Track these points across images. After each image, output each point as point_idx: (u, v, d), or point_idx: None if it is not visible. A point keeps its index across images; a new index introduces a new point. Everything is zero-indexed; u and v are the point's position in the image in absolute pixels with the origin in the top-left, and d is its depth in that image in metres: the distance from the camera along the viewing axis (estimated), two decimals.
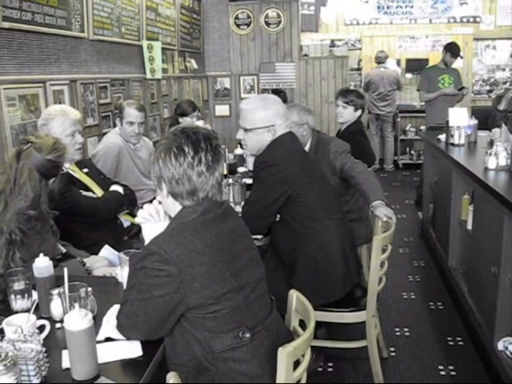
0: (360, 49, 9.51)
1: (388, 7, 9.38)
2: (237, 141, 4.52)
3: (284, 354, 1.54)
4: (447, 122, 4.70)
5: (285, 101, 5.74)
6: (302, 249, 2.67)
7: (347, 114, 4.12)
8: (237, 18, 7.86)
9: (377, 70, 8.48)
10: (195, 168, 1.72)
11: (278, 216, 2.74)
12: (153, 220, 1.93)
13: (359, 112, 4.12)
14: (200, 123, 4.53)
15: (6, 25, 3.08)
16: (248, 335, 1.69)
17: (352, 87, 8.66)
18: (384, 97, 8.42)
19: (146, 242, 1.83)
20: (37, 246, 2.20)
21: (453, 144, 4.53)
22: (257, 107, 2.70)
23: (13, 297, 1.96)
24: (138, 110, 3.84)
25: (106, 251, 2.73)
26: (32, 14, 3.34)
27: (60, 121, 2.88)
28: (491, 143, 4.03)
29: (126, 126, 3.83)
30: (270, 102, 2.72)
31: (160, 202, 1.90)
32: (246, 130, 2.75)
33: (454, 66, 6.78)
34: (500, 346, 2.84)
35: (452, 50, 6.57)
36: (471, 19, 9.24)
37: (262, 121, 2.69)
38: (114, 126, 4.18)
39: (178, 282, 1.60)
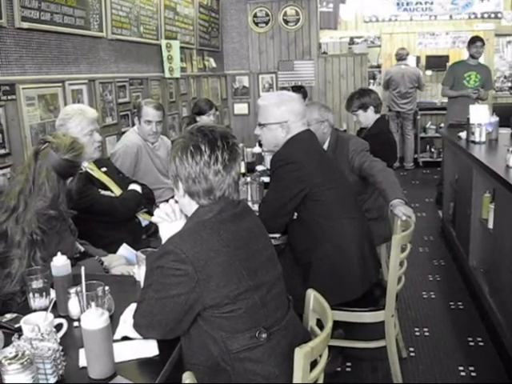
0: (379, 46, 9.44)
1: (407, 4, 9.28)
2: (256, 139, 4.52)
3: (301, 355, 1.53)
4: (468, 119, 4.64)
5: (305, 96, 5.72)
6: (318, 247, 2.66)
7: (363, 118, 4.09)
8: (255, 16, 7.85)
9: (397, 68, 8.40)
10: (212, 167, 1.71)
11: (295, 214, 2.74)
12: (169, 219, 1.93)
13: (372, 108, 4.06)
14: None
15: (25, 25, 3.11)
16: (264, 335, 1.67)
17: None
18: (405, 94, 8.35)
19: (163, 241, 1.84)
20: (55, 246, 2.21)
21: (473, 141, 4.48)
22: (272, 103, 2.72)
23: (31, 295, 1.98)
24: (155, 108, 3.85)
25: (124, 250, 2.74)
26: (51, 14, 3.36)
27: (78, 120, 2.89)
28: None
29: (144, 124, 3.84)
30: (285, 99, 2.72)
31: (176, 201, 1.90)
32: (260, 125, 2.78)
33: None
34: None
35: (477, 38, 6.42)
36: (492, 15, 9.10)
37: (275, 117, 2.69)
38: (133, 125, 4.20)
39: (195, 282, 1.60)
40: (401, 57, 8.40)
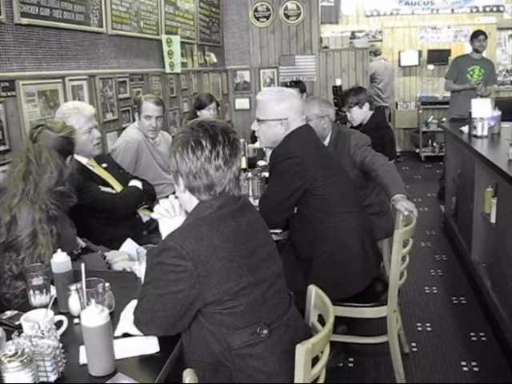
0: (381, 40, 9.41)
1: None
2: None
3: (302, 351, 1.52)
4: (470, 113, 4.62)
5: (302, 91, 5.70)
6: (319, 242, 2.65)
7: (356, 115, 4.10)
8: (256, 10, 7.81)
9: (379, 62, 8.60)
10: (213, 162, 1.70)
11: (296, 209, 2.72)
12: (169, 215, 1.92)
13: (367, 105, 4.07)
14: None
15: (25, 21, 3.09)
16: (266, 331, 1.66)
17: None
18: (387, 87, 8.42)
19: (163, 237, 1.83)
20: (60, 231, 2.26)
21: (476, 136, 4.46)
22: (271, 99, 2.70)
23: (31, 292, 1.97)
24: (155, 103, 3.83)
25: (129, 245, 2.73)
26: (50, 9, 3.34)
27: (75, 119, 2.86)
28: None
29: (144, 120, 3.83)
30: (285, 95, 2.70)
31: (176, 197, 1.89)
32: (259, 120, 2.76)
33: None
34: None
35: (480, 32, 6.40)
36: (494, 8, 9.06)
37: (274, 113, 2.68)
38: (134, 120, 4.18)
39: (195, 278, 1.59)
40: (378, 51, 8.51)
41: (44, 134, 2.32)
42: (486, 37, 6.35)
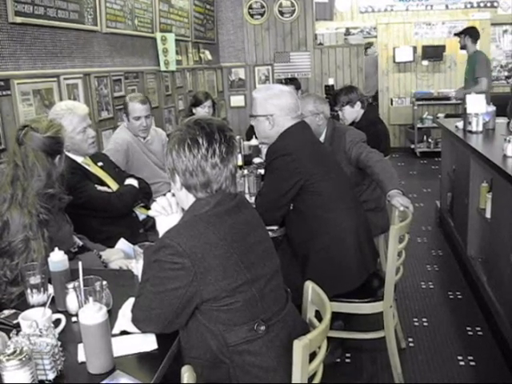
0: (375, 37, 9.42)
1: None
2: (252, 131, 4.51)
3: (299, 347, 1.53)
4: (465, 108, 4.64)
5: (297, 88, 5.70)
6: (315, 239, 2.66)
7: (347, 114, 4.10)
8: (250, 7, 7.82)
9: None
10: (209, 160, 1.70)
11: (292, 206, 2.74)
12: (166, 213, 1.93)
13: (358, 104, 4.08)
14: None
15: (19, 20, 3.09)
16: (263, 328, 1.67)
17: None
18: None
19: (160, 234, 1.83)
20: (55, 232, 2.24)
21: (470, 131, 4.47)
22: (261, 96, 2.76)
23: (29, 291, 1.97)
24: (141, 103, 3.76)
25: (122, 244, 2.73)
26: (44, 8, 3.34)
27: (68, 119, 2.83)
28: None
29: (134, 121, 3.76)
30: (275, 93, 2.74)
31: (173, 195, 1.90)
32: (251, 116, 2.84)
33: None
34: None
35: (472, 33, 6.43)
36: (488, 4, 9.08)
37: (261, 109, 2.74)
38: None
39: (192, 275, 1.59)
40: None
41: (29, 135, 2.25)
42: (458, 35, 6.43)
